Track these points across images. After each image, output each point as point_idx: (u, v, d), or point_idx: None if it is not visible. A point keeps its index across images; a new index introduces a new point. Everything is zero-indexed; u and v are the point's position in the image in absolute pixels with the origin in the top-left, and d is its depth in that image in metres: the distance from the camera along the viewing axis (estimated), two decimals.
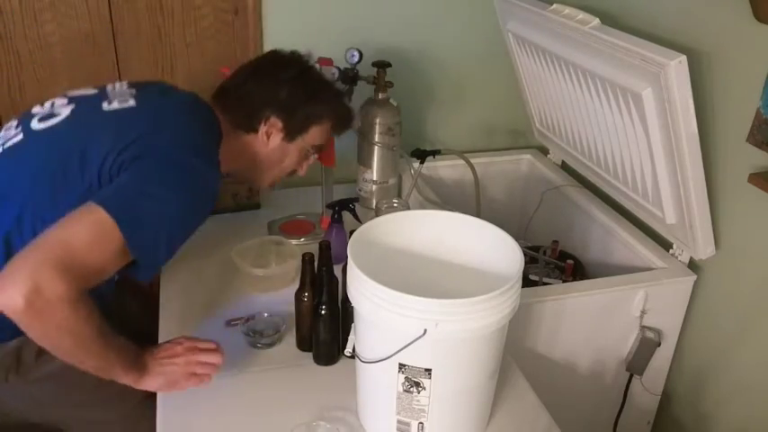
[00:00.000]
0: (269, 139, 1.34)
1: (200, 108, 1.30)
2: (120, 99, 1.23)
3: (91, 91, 1.30)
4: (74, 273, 0.96)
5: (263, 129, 1.33)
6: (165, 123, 1.18)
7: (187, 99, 1.31)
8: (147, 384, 1.14)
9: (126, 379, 1.12)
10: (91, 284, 1.01)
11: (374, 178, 1.86)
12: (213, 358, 1.17)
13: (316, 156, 1.46)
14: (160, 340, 1.34)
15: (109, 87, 1.30)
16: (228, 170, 1.34)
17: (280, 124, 1.33)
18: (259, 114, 1.32)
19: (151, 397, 1.22)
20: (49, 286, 0.93)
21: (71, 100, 1.27)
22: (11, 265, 0.95)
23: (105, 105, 1.22)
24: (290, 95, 1.33)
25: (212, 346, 1.19)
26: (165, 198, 1.07)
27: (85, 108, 1.24)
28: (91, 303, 1.01)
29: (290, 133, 1.35)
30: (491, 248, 1.15)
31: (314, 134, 1.39)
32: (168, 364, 1.15)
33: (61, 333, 1.00)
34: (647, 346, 1.58)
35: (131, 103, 1.22)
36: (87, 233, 0.99)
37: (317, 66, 1.46)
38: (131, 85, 1.31)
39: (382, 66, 1.77)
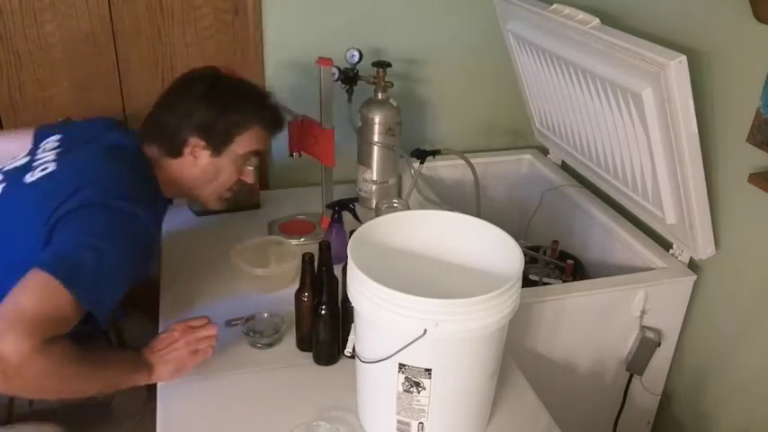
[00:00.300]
0: (196, 159, 1.34)
1: (126, 149, 1.30)
2: (42, 167, 1.24)
3: (23, 160, 1.32)
4: (34, 328, 0.99)
5: (187, 151, 1.33)
6: (88, 178, 1.18)
7: (113, 143, 1.30)
8: (158, 378, 1.20)
9: (136, 382, 1.17)
10: (58, 332, 1.03)
11: (374, 178, 1.86)
12: (209, 331, 1.23)
13: (257, 161, 1.43)
14: None
15: (40, 149, 1.32)
16: (173, 195, 1.38)
17: (202, 143, 1.33)
18: (179, 138, 1.32)
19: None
20: (13, 350, 0.96)
21: (4, 176, 1.29)
22: None
23: (28, 177, 1.23)
24: (204, 112, 1.32)
25: (204, 321, 1.24)
26: (100, 248, 1.08)
27: (12, 185, 1.25)
28: (62, 342, 1.03)
29: (216, 148, 1.34)
30: (491, 248, 1.15)
31: (243, 142, 1.36)
32: (170, 352, 1.20)
33: (47, 382, 1.03)
34: (647, 346, 1.58)
35: (51, 168, 1.22)
36: (36, 296, 1.02)
37: (227, 74, 1.42)
38: (62, 139, 1.33)
39: (382, 66, 1.77)
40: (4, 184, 1.26)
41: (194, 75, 1.37)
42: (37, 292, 1.02)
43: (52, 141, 1.33)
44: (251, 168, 1.42)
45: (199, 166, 1.35)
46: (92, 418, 1.33)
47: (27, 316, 0.99)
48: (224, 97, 1.34)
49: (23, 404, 1.25)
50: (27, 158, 1.32)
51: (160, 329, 1.37)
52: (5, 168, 1.32)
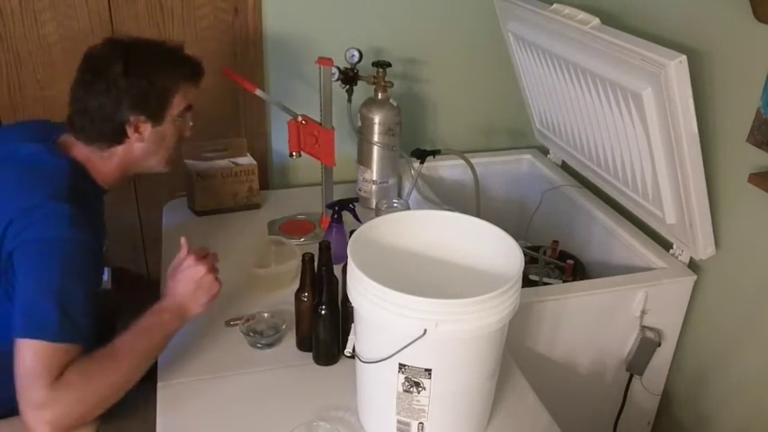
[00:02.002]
0: (142, 135, 1.32)
1: (45, 162, 1.26)
2: None
3: None
4: (38, 381, 1.04)
5: (131, 131, 1.31)
6: (13, 213, 1.15)
7: (28, 159, 1.26)
8: (193, 316, 1.24)
9: (174, 331, 1.22)
10: (61, 368, 1.07)
11: (374, 178, 1.86)
12: (215, 261, 1.29)
13: (190, 114, 1.41)
14: None
15: None
16: (122, 180, 1.37)
17: (142, 117, 1.30)
18: (119, 122, 1.29)
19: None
20: (38, 415, 1.04)
21: None
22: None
23: None
24: (135, 88, 1.28)
25: (206, 251, 1.28)
26: (59, 289, 1.11)
27: None
28: (73, 365, 1.08)
29: (156, 118, 1.33)
30: (491, 248, 1.15)
31: (178, 102, 1.35)
32: (202, 284, 1.23)
33: (92, 399, 1.08)
34: (647, 346, 1.58)
35: None
36: (29, 363, 1.06)
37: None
38: None
39: (382, 66, 1.77)
40: None
41: (100, 55, 1.30)
42: (28, 360, 1.06)
43: None
44: (188, 122, 1.41)
45: (146, 141, 1.33)
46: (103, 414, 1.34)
47: (30, 381, 1.05)
48: (145, 67, 1.30)
49: None
50: None
51: None
52: None
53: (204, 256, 1.26)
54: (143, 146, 1.34)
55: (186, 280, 1.23)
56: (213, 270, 1.25)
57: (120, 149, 1.32)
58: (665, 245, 1.65)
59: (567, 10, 1.52)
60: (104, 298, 1.43)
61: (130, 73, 1.27)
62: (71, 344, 1.09)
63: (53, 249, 1.13)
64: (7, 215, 1.14)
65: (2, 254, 1.14)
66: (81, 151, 1.30)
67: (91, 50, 1.31)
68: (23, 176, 1.23)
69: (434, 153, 1.86)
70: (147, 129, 1.32)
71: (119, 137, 1.31)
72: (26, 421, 1.05)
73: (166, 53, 1.35)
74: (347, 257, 1.06)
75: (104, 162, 1.32)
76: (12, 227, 1.14)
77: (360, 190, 1.91)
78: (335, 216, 1.58)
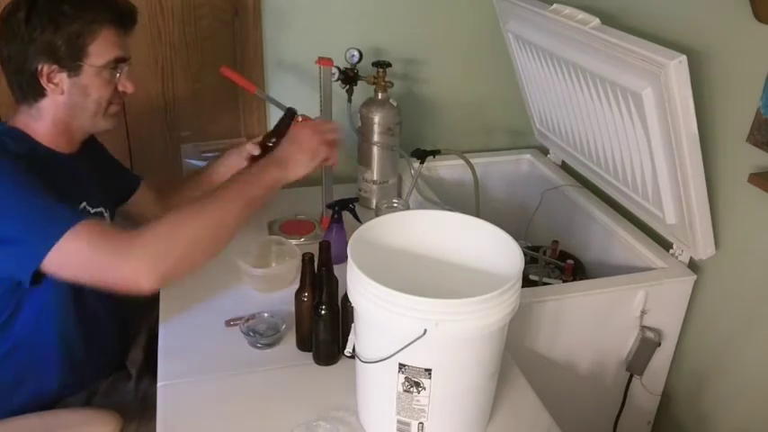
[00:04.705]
0: (59, 86, 1.23)
1: None
2: None
3: None
4: (125, 241, 1.09)
5: (45, 82, 1.21)
6: None
7: None
8: (297, 172, 1.26)
9: (272, 182, 1.24)
10: (116, 231, 1.12)
11: (374, 178, 1.86)
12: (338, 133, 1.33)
13: (126, 67, 1.30)
14: (160, 340, 1.35)
15: None
16: (72, 140, 1.31)
17: (54, 66, 1.21)
18: (31, 74, 1.21)
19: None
20: (142, 265, 1.07)
21: None
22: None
23: None
24: (39, 34, 1.18)
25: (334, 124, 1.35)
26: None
27: None
28: (172, 216, 1.14)
29: (69, 68, 1.22)
30: (491, 248, 1.15)
31: (97, 51, 1.23)
32: (309, 141, 1.27)
33: (188, 240, 1.12)
34: (647, 346, 1.58)
35: None
36: (90, 249, 1.09)
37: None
38: None
39: (382, 66, 1.77)
40: None
41: (10, 3, 1.21)
42: (83, 255, 1.08)
43: None
44: (124, 77, 1.30)
45: (67, 93, 1.24)
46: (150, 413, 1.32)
47: (105, 260, 1.08)
48: (51, 10, 1.19)
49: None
50: None
51: (160, 332, 1.38)
52: None
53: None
54: (65, 98, 1.24)
55: (312, 132, 1.28)
56: (330, 132, 1.30)
57: (45, 104, 1.24)
58: (665, 245, 1.65)
59: (567, 10, 1.52)
60: None
61: (33, 18, 1.18)
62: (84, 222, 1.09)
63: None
64: None
65: None
66: (20, 116, 1.26)
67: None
68: None
69: (434, 153, 1.86)
70: (62, 79, 1.22)
71: (37, 89, 1.23)
72: (128, 287, 1.07)
73: None
74: (347, 257, 1.07)
75: (37, 121, 1.25)
76: None
77: (360, 190, 1.91)
78: (335, 216, 1.58)
